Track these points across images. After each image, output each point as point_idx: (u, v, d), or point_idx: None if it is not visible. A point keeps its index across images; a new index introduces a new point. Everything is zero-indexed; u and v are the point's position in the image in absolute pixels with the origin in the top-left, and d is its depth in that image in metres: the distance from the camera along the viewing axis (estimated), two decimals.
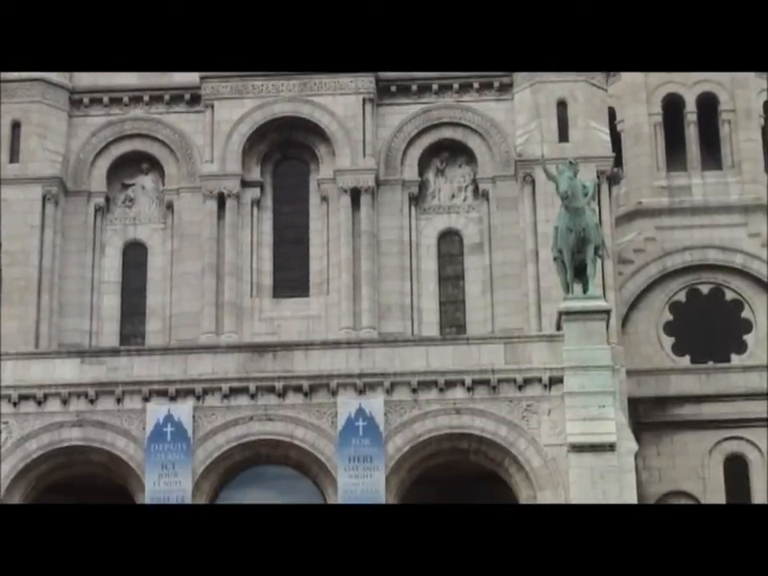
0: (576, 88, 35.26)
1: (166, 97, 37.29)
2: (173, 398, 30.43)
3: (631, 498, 27.66)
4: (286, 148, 36.78)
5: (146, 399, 30.59)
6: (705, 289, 38.55)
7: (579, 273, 29.74)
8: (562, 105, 35.05)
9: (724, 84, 41.27)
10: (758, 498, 34.63)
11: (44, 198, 35.68)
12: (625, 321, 36.18)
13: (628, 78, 41.15)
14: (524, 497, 28.64)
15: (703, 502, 35.70)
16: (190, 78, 36.58)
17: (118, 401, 30.52)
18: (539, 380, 29.88)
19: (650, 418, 34.99)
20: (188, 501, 28.49)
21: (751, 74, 40.81)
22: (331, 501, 28.72)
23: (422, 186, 36.43)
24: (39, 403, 30.42)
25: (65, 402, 30.22)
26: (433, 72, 35.23)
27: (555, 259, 30.55)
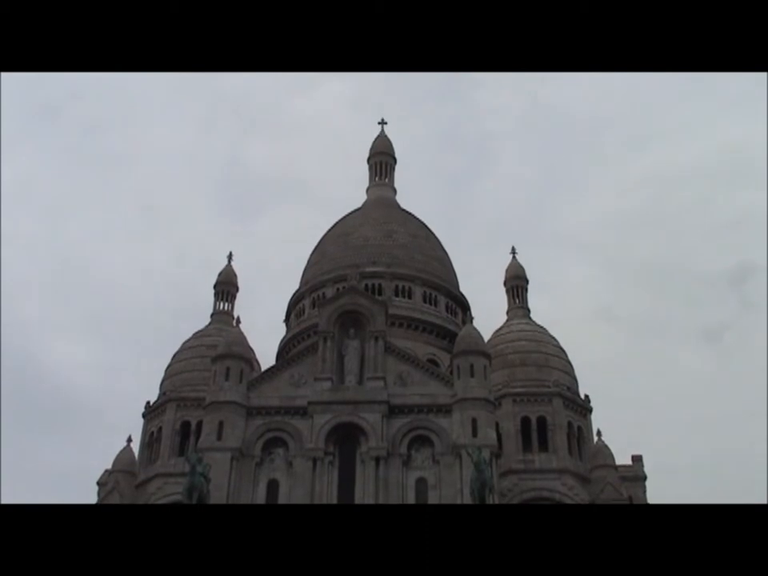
0: (481, 413, 35.97)
1: (291, 411, 37.29)
2: None
3: None
4: (346, 437, 36.54)
5: None
6: None
7: (482, 499, 31.22)
8: (474, 421, 35.94)
9: (549, 412, 42.24)
10: None
11: (231, 458, 35.94)
12: None
13: (505, 408, 41.91)
14: None
15: None
16: (303, 403, 37.08)
17: None
18: None
19: None
20: None
21: (562, 408, 41.22)
22: None
23: (408, 456, 36.16)
24: None
25: None
26: None
27: (471, 492, 32.08)
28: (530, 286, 50.51)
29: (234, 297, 50.18)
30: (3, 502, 52.23)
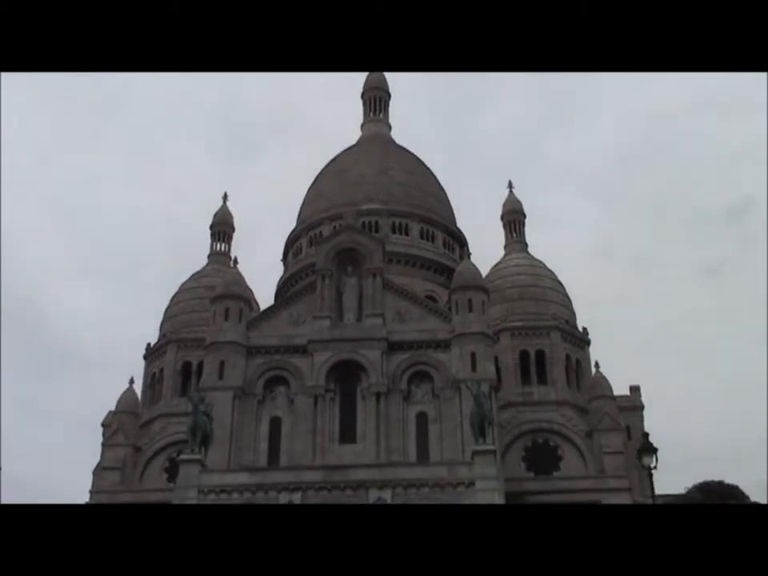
0: (480, 347, 36.36)
1: (291, 350, 37.50)
2: (292, 491, 30.96)
3: None
4: (346, 374, 37.06)
5: (279, 492, 31.05)
6: (540, 440, 40.42)
7: (482, 432, 31.73)
8: (472, 355, 36.28)
9: (548, 345, 42.55)
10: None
11: (233, 396, 36.36)
12: (504, 455, 37.49)
13: (503, 342, 42.28)
14: None
15: None
16: (303, 341, 37.19)
17: (266, 492, 31.15)
18: (464, 483, 30.63)
19: (515, 501, 34.56)
20: None
21: (560, 341, 41.36)
22: None
23: (408, 391, 36.68)
24: (228, 493, 31.21)
25: (240, 493, 31.32)
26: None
27: (471, 425, 32.38)
28: (528, 222, 50.49)
29: (230, 238, 50.15)
30: (11, 447, 52.92)
